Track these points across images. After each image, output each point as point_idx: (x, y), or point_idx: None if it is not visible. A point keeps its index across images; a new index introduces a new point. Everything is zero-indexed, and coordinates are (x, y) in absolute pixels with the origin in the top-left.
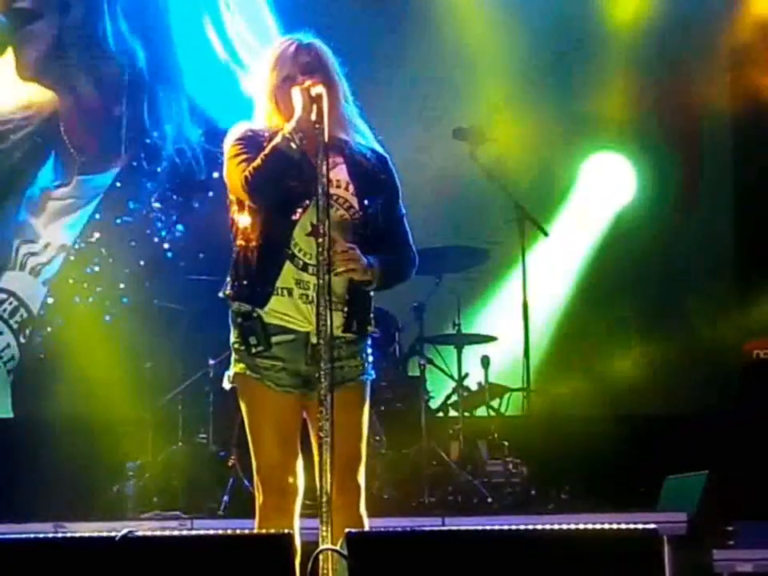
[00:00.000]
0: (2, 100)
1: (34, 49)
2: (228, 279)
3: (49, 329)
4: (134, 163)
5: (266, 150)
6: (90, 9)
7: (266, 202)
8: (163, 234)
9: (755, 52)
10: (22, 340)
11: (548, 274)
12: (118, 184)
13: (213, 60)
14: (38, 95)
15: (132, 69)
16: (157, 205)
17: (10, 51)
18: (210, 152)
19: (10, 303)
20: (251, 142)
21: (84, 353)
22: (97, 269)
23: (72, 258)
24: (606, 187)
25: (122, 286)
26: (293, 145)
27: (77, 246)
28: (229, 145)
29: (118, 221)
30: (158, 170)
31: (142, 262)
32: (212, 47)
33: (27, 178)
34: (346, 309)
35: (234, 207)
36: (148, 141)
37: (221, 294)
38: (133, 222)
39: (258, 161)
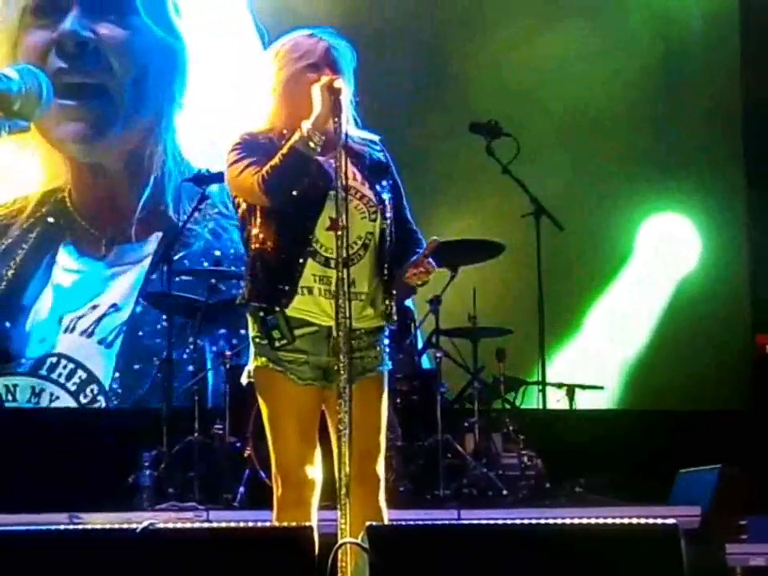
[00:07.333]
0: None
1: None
2: (244, 284)
3: None
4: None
5: (284, 150)
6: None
7: (282, 202)
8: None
9: None
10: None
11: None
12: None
13: None
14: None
15: None
16: None
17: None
18: None
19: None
20: (250, 146)
21: None
22: None
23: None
24: None
25: None
26: (311, 144)
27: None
28: (227, 152)
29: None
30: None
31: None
32: None
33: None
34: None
35: (245, 213)
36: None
37: (237, 302)
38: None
39: (276, 160)
